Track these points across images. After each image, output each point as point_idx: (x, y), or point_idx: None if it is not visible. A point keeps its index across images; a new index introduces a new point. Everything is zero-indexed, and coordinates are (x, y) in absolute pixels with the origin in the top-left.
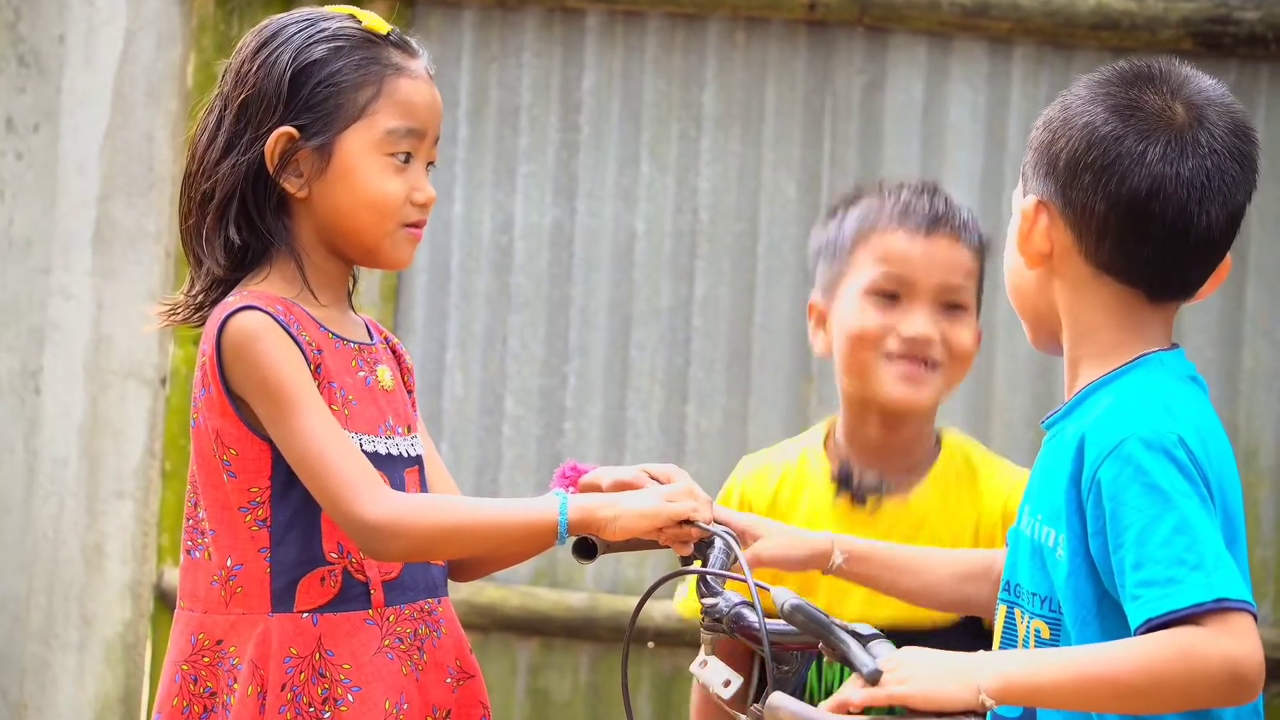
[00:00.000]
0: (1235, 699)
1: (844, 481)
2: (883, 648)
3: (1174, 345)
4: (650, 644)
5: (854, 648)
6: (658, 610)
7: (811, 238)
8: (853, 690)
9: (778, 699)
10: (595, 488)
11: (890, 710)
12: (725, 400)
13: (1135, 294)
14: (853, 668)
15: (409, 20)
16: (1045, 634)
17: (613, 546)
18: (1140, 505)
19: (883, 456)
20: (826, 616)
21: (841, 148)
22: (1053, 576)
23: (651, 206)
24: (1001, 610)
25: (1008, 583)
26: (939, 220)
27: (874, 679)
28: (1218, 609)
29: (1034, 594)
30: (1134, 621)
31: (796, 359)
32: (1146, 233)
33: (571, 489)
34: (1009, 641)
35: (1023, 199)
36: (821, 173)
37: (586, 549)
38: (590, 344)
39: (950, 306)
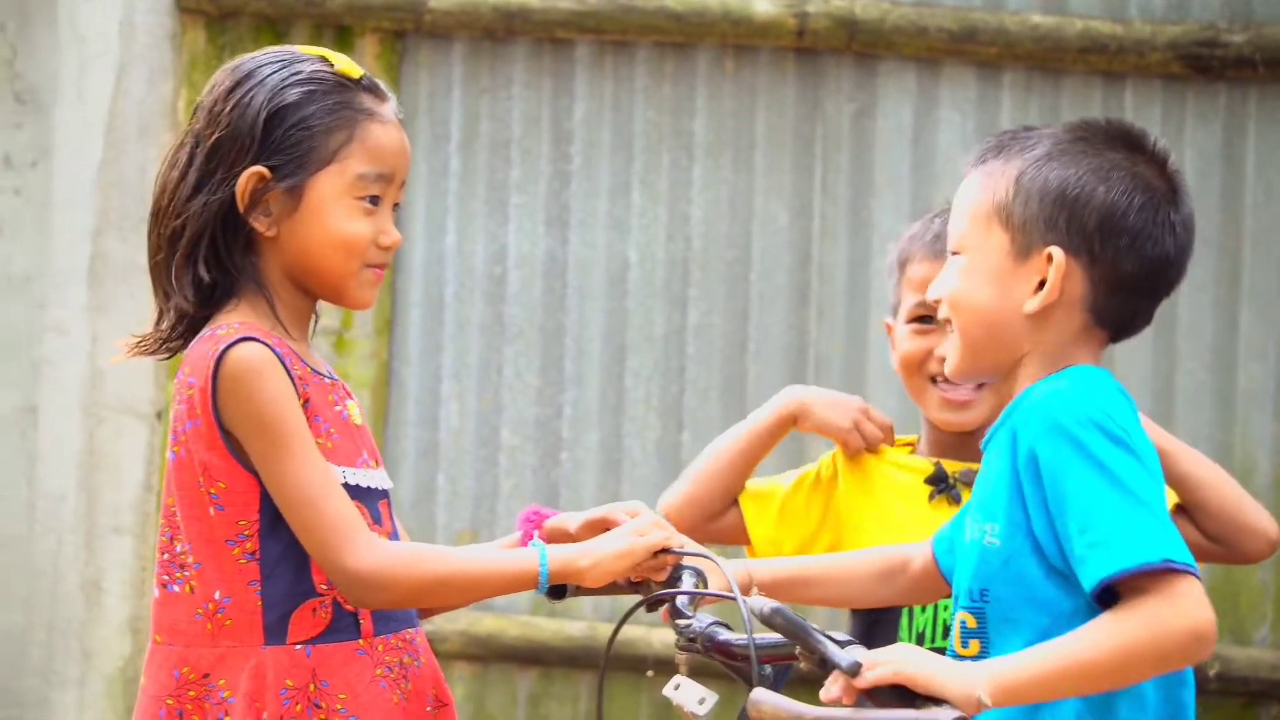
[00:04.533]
0: (1199, 657)
1: (938, 483)
2: (858, 651)
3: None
4: (650, 672)
5: (830, 648)
6: (656, 637)
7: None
8: (835, 686)
9: (759, 694)
10: (562, 531)
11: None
12: (721, 427)
13: (1105, 335)
14: (831, 665)
15: (399, 53)
16: (971, 624)
17: (581, 589)
18: (1079, 474)
19: (966, 454)
20: (804, 620)
21: (832, 174)
22: (987, 566)
23: (644, 235)
24: (956, 619)
25: (955, 595)
26: None
27: (854, 670)
28: (1165, 569)
29: (966, 589)
30: (1087, 584)
31: (790, 384)
32: (1155, 291)
33: (536, 533)
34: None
35: (1030, 248)
36: (813, 199)
37: (556, 589)
38: (585, 373)
39: None
